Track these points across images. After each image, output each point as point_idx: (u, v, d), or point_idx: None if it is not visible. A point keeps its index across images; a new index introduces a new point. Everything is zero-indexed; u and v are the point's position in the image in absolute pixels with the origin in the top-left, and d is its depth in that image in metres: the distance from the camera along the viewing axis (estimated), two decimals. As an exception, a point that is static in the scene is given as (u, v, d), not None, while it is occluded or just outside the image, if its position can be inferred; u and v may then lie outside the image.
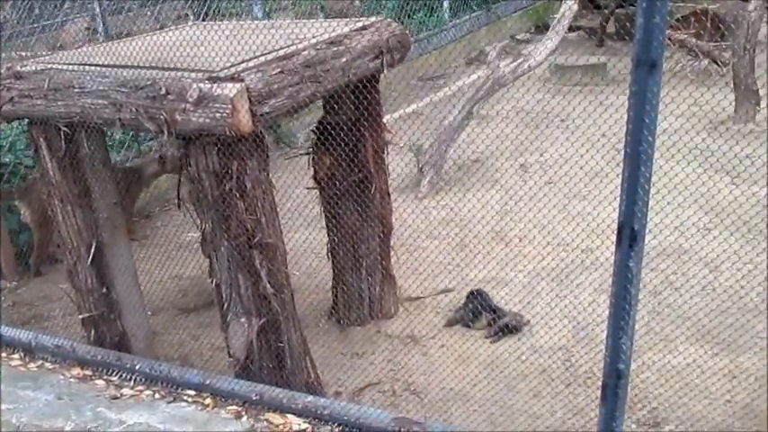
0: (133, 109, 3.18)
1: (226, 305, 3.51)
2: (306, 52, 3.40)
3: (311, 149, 4.21)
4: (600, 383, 3.88)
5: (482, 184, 6.57)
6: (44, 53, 5.15)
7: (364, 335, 4.51)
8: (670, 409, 3.73)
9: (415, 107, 8.62)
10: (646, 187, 2.48)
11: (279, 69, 3.19)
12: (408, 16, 10.00)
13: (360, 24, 3.91)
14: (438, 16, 10.43)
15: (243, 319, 3.51)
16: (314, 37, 3.64)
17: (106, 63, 3.49)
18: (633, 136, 2.42)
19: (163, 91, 3.08)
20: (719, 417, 3.66)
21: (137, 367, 3.78)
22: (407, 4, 10.18)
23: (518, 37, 11.73)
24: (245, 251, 3.34)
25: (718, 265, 4.96)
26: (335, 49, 3.54)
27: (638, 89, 2.36)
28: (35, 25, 7.78)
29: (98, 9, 7.09)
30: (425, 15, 10.24)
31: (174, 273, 5.08)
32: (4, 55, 5.78)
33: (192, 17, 7.25)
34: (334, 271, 4.52)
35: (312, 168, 4.23)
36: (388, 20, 4.06)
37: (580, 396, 3.84)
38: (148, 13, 7.83)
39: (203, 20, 6.91)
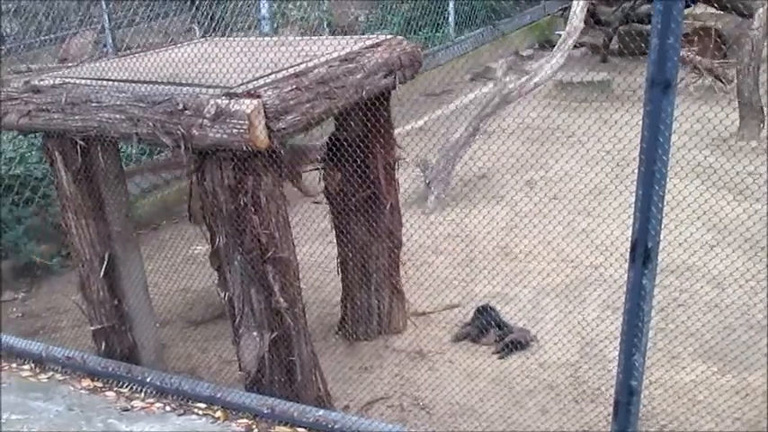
0: (150, 123, 3.22)
1: (238, 319, 3.54)
2: (320, 69, 3.44)
3: (322, 164, 4.24)
4: (609, 400, 3.93)
5: (488, 200, 6.61)
6: (52, 66, 5.22)
7: (373, 349, 4.53)
8: (680, 427, 3.74)
9: (421, 123, 8.67)
10: (659, 206, 2.52)
11: (294, 86, 3.23)
12: (414, 32, 10.08)
13: (371, 42, 3.96)
14: (443, 32, 10.51)
15: (255, 333, 3.53)
16: (327, 54, 3.69)
17: (122, 78, 3.54)
18: (647, 155, 2.47)
19: (180, 106, 3.12)
20: (727, 434, 3.69)
21: (147, 379, 3.81)
22: (413, 20, 10.27)
23: (522, 53, 11.80)
24: (259, 265, 3.37)
25: (720, 282, 4.99)
26: (348, 66, 3.58)
27: (652, 109, 2.41)
28: (41, 38, 7.85)
29: (107, 22, 7.15)
30: (431, 31, 10.32)
31: (182, 286, 5.10)
32: (12, 68, 5.83)
33: (197, 31, 7.32)
34: (343, 285, 4.55)
35: (323, 183, 4.26)
36: (400, 37, 4.10)
37: (589, 413, 3.85)
38: (155, 27, 7.89)
39: (211, 34, 6.98)
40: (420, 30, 10.24)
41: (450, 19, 10.67)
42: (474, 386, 4.13)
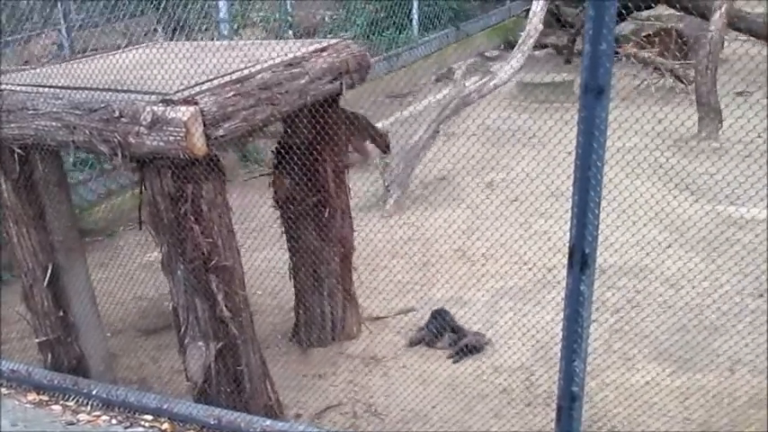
0: (87, 131, 3.16)
1: (183, 328, 3.48)
2: (262, 75, 3.40)
3: (272, 171, 4.20)
4: (558, 403, 3.92)
5: (448, 203, 6.60)
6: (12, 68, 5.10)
7: (326, 356, 4.49)
8: (629, 428, 3.75)
9: (383, 124, 8.63)
10: (596, 212, 2.50)
11: (234, 92, 3.19)
12: (378, 34, 10.05)
13: (318, 46, 3.92)
14: (407, 34, 10.50)
15: (200, 343, 3.48)
16: (272, 59, 3.64)
17: (60, 84, 3.47)
18: (583, 161, 2.45)
19: (116, 113, 3.06)
20: (677, 436, 3.70)
21: (93, 392, 3.73)
22: (377, 21, 10.24)
23: (487, 54, 11.83)
24: (202, 274, 3.31)
25: (674, 283, 5.01)
26: (293, 71, 3.55)
27: (586, 115, 2.39)
28: (3, 39, 7.69)
29: (63, 25, 7.03)
30: (395, 32, 10.30)
31: (137, 293, 5.03)
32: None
33: (161, 32, 7.22)
34: (295, 292, 4.51)
35: (273, 190, 4.22)
36: (348, 41, 4.08)
37: (540, 416, 3.85)
38: (120, 29, 7.77)
39: (173, 37, 6.88)
40: (384, 31, 10.21)
41: (414, 20, 10.65)
42: (427, 391, 4.10)
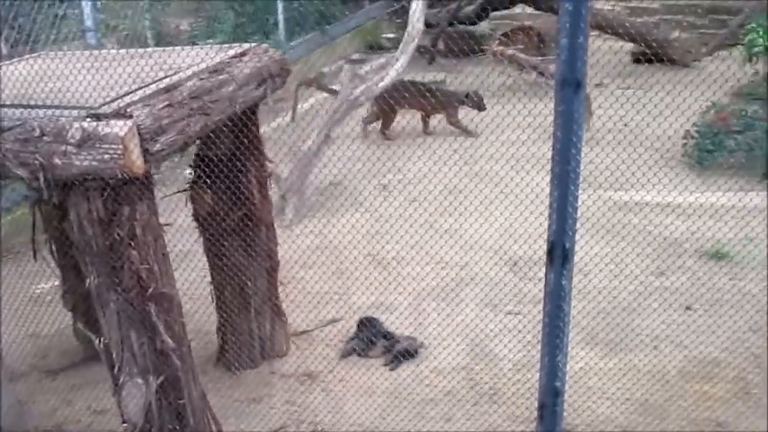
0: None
1: (118, 366, 3.15)
2: (191, 83, 3.15)
3: (189, 186, 3.91)
4: (509, 399, 3.94)
5: (346, 208, 6.49)
6: None
7: (258, 377, 4.25)
8: (575, 414, 3.81)
9: (264, 130, 8.38)
10: (575, 205, 2.49)
11: (166, 102, 2.93)
12: (245, 40, 9.74)
13: (236, 51, 3.70)
14: (274, 39, 10.26)
15: (139, 380, 3.16)
16: (192, 66, 3.39)
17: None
18: (561, 155, 2.43)
19: (37, 132, 2.72)
20: (622, 416, 3.80)
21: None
22: (242, 26, 9.95)
23: (353, 57, 11.80)
24: (140, 304, 3.02)
25: (582, 268, 5.16)
26: (219, 77, 3.31)
27: (564, 109, 2.37)
28: None
29: None
30: (263, 38, 10.03)
31: (30, 331, 4.54)
32: None
33: (3, 45, 6.62)
34: (220, 313, 4.23)
35: (192, 206, 3.93)
36: (265, 45, 3.88)
37: (491, 414, 3.83)
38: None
39: (27, 48, 6.31)
40: (250, 36, 9.91)
41: (280, 25, 10.43)
42: (372, 402, 3.98)
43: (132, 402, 3.22)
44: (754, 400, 3.86)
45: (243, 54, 3.65)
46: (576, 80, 2.36)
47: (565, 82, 2.37)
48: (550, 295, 2.61)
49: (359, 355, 4.42)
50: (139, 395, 3.20)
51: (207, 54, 3.65)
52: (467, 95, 8.24)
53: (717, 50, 9.46)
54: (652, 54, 9.53)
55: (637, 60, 10.07)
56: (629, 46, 10.13)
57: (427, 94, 7.81)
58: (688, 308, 4.67)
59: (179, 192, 3.98)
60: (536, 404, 3.95)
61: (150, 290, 3.01)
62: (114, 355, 3.16)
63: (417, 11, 7.11)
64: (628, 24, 10.03)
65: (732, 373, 4.07)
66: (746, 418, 3.74)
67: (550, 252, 2.57)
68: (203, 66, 3.37)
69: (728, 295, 4.66)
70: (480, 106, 8.22)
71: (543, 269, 5.33)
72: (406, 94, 7.54)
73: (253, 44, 3.85)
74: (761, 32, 6.15)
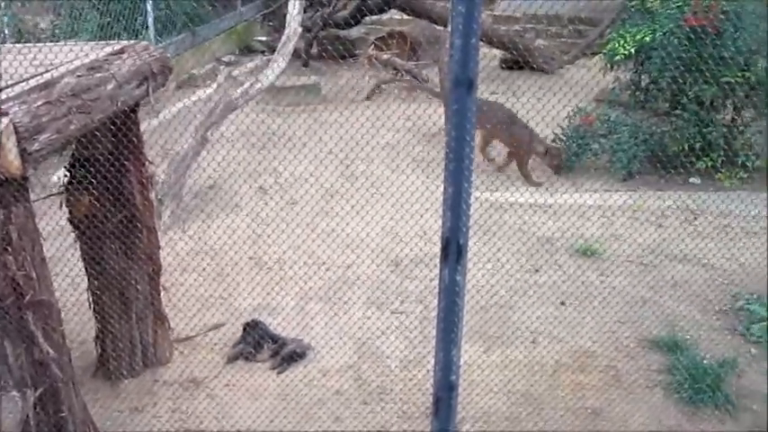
0: None
1: (-10, 380, 2.96)
2: (68, 80, 3.01)
3: (65, 189, 3.73)
4: (396, 396, 4.02)
5: (224, 211, 6.39)
6: None
7: (140, 386, 4.11)
8: (460, 407, 3.92)
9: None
10: (469, 202, 2.57)
11: (44, 100, 2.79)
12: (112, 39, 9.37)
13: (114, 48, 3.58)
14: (144, 39, 9.91)
15: (14, 393, 2.98)
16: (68, 62, 3.24)
17: None
18: (456, 153, 2.49)
19: None
20: (505, 407, 3.96)
21: None
22: (108, 25, 9.55)
23: (225, 59, 11.60)
24: (16, 312, 2.85)
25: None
26: (98, 75, 3.18)
27: (458, 108, 2.44)
28: None
29: None
30: (130, 38, 9.67)
31: None
32: None
33: None
34: (98, 320, 4.06)
35: (68, 210, 3.75)
36: (144, 42, 3.76)
37: (380, 413, 3.89)
38: None
39: None
40: (117, 36, 9.53)
41: (149, 25, 10.09)
42: (260, 406, 3.94)
43: (8, 418, 3.03)
44: (624, 387, 4.13)
45: (121, 51, 3.53)
46: (468, 80, 2.44)
47: (458, 82, 2.44)
48: (445, 291, 2.67)
49: (246, 359, 4.36)
50: (16, 410, 3.02)
51: (82, 50, 3.50)
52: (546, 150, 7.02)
53: (578, 59, 10.01)
54: (519, 61, 9.98)
55: (506, 67, 10.53)
56: (497, 52, 10.54)
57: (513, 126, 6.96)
58: (562, 303, 4.93)
59: (50, 195, 3.79)
60: (424, 401, 4.10)
61: (28, 297, 2.86)
62: (-14, 369, 2.96)
63: (295, 12, 7.09)
64: (500, 31, 10.47)
65: (604, 362, 4.33)
66: (617, 405, 4.00)
67: (445, 248, 2.63)
68: (79, 63, 3.23)
69: (598, 290, 4.95)
70: (558, 168, 7.05)
71: (425, 268, 5.54)
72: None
73: (132, 41, 3.71)
74: (621, 42, 6.56)
